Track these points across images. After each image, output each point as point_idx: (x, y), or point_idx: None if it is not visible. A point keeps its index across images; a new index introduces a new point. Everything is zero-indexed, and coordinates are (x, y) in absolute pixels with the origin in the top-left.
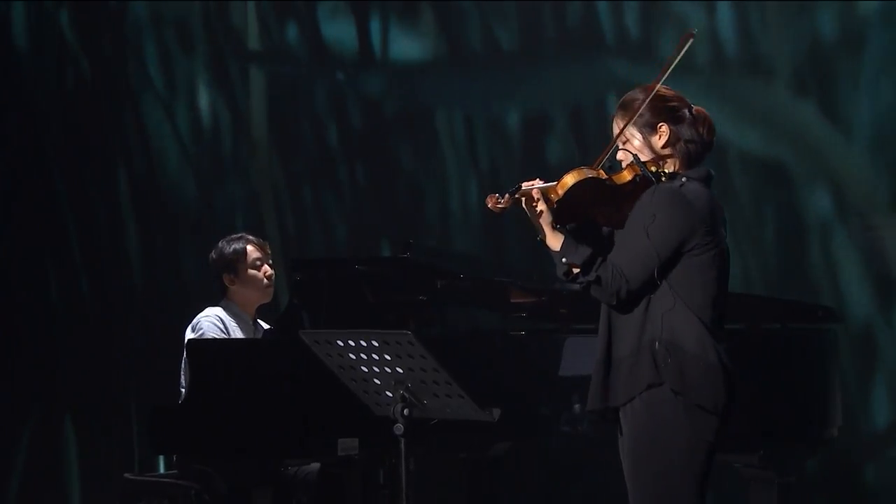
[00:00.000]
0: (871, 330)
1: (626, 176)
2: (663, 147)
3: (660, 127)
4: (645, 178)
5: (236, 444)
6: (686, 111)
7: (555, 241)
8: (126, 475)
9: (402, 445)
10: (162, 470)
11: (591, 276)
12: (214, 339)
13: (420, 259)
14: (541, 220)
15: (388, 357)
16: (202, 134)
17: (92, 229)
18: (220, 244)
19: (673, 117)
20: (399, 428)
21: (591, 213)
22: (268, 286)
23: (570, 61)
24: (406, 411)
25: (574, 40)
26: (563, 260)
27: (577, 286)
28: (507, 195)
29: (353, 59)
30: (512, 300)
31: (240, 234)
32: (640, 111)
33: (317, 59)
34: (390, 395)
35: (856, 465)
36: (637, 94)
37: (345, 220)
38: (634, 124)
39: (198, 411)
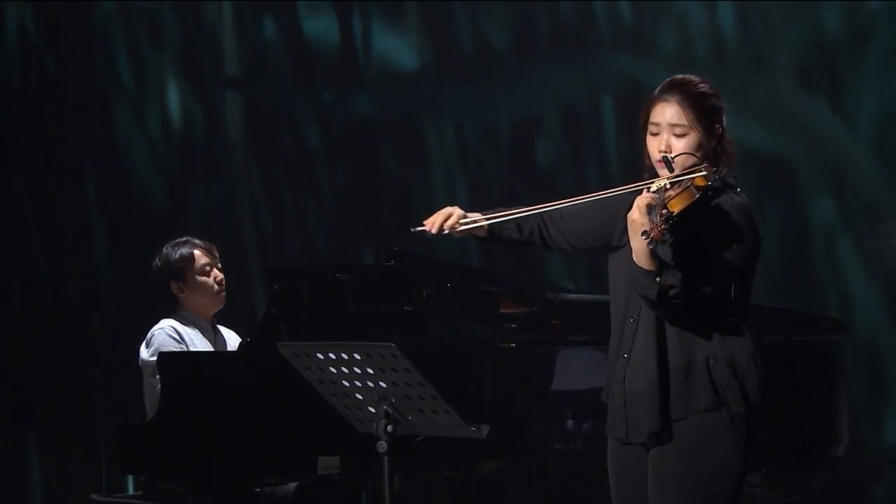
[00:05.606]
0: (881, 342)
1: (700, 183)
2: (712, 150)
3: (717, 128)
4: (715, 188)
5: (209, 462)
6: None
7: (649, 260)
8: (92, 496)
9: (386, 464)
10: (131, 490)
11: (680, 297)
12: (185, 352)
13: (405, 267)
14: (644, 239)
15: (370, 371)
16: (173, 135)
17: (57, 236)
18: (164, 250)
19: (722, 121)
20: (382, 445)
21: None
22: (219, 292)
23: (562, 60)
24: (390, 428)
25: (566, 39)
26: (658, 280)
27: (658, 304)
28: (661, 224)
29: (334, 60)
30: (501, 310)
31: (184, 238)
32: (708, 105)
33: (296, 58)
34: (373, 410)
35: (864, 485)
36: (704, 85)
37: (326, 226)
38: (698, 117)
39: (168, 428)
